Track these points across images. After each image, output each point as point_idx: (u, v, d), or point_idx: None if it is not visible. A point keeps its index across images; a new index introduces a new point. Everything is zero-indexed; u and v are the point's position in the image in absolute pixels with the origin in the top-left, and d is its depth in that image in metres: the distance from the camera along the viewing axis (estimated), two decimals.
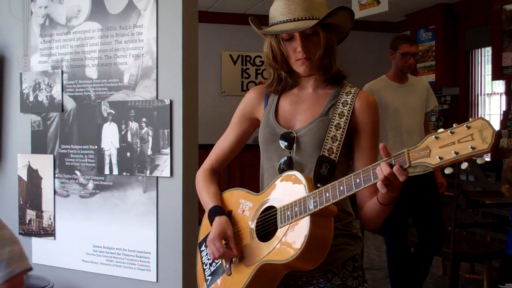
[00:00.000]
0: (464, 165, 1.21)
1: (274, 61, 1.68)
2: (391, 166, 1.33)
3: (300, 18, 1.59)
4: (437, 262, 5.23)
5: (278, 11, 1.62)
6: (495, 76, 6.95)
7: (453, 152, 1.20)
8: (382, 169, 1.33)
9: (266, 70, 1.78)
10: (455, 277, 3.91)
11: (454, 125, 1.23)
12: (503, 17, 6.69)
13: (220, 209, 1.72)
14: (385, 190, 1.37)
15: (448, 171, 1.25)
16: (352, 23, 1.69)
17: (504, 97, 7.23)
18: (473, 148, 1.18)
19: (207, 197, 1.77)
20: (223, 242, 1.63)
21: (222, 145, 1.84)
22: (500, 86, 7.39)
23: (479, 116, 1.23)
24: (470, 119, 1.20)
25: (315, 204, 1.44)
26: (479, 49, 7.66)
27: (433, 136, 1.25)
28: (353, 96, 1.66)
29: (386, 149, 1.36)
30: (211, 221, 1.71)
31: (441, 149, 1.23)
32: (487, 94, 7.66)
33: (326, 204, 1.42)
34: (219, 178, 1.89)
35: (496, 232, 4.34)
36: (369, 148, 1.65)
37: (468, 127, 1.19)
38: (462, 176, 4.60)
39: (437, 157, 1.23)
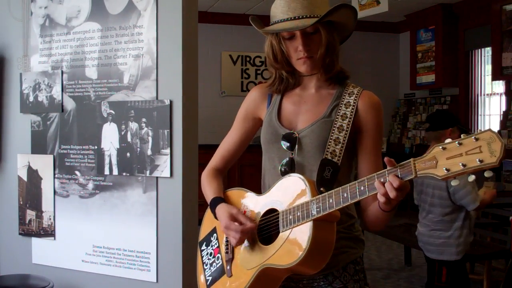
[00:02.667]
0: (471, 178, 1.19)
1: (275, 60, 1.67)
2: (386, 180, 1.32)
3: (301, 17, 1.58)
4: None
5: (278, 10, 1.61)
6: (495, 76, 6.96)
7: (460, 164, 1.18)
8: (377, 185, 1.33)
9: (268, 70, 1.77)
10: None
11: (462, 135, 1.21)
12: (502, 17, 6.69)
13: (219, 199, 1.71)
14: (383, 200, 1.35)
15: (454, 183, 1.23)
16: (355, 22, 1.67)
17: (504, 97, 7.23)
18: (481, 161, 1.16)
19: (209, 191, 1.76)
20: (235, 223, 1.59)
21: (226, 145, 1.83)
22: (500, 86, 7.39)
23: (488, 128, 1.19)
24: (478, 131, 1.18)
25: (318, 209, 1.43)
26: (479, 49, 7.66)
27: (440, 147, 1.23)
28: (356, 96, 1.64)
29: (391, 161, 1.34)
30: (214, 213, 1.70)
31: (448, 160, 1.21)
32: (487, 94, 7.66)
33: (330, 211, 1.41)
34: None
35: (496, 232, 4.34)
36: (373, 149, 1.63)
37: (477, 139, 1.17)
38: None
39: (444, 168, 1.21)
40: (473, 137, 1.18)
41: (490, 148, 1.15)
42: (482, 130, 1.19)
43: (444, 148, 1.22)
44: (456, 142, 1.20)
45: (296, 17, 1.58)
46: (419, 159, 1.27)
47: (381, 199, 1.35)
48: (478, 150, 1.17)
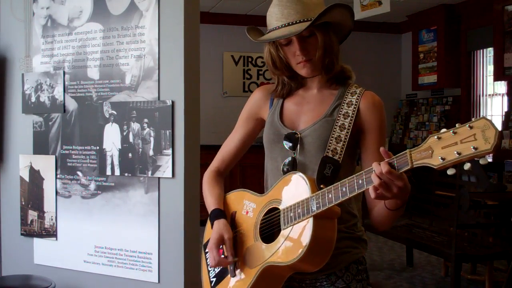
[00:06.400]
0: (467, 166, 1.19)
1: (274, 67, 1.69)
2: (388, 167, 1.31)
3: (295, 22, 1.58)
4: (439, 263, 5.23)
5: (273, 18, 1.63)
6: (497, 77, 6.95)
7: (455, 152, 1.19)
8: (373, 177, 1.32)
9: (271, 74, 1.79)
10: (457, 278, 3.90)
11: (456, 125, 1.21)
12: (505, 18, 6.69)
13: (219, 212, 1.73)
14: (374, 195, 1.34)
15: (450, 171, 1.23)
16: (353, 20, 1.66)
17: (506, 98, 7.22)
18: (475, 148, 1.16)
19: (210, 199, 1.78)
20: (221, 248, 1.65)
21: (228, 146, 1.84)
22: (502, 87, 7.38)
23: (482, 116, 1.20)
24: (473, 119, 1.19)
25: (317, 205, 1.43)
26: (481, 50, 7.65)
27: (435, 137, 1.23)
28: (358, 96, 1.64)
29: (387, 152, 1.35)
30: (212, 224, 1.72)
31: (444, 149, 1.21)
32: (489, 95, 7.65)
33: (329, 206, 1.42)
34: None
35: (498, 233, 4.33)
36: (375, 148, 1.62)
37: (471, 127, 1.18)
38: (464, 176, 4.60)
39: (439, 157, 1.21)
40: (467, 126, 1.18)
41: (484, 135, 1.15)
42: (477, 118, 1.19)
43: (439, 138, 1.23)
44: (451, 131, 1.21)
45: (291, 23, 1.59)
46: (415, 149, 1.27)
47: (373, 194, 1.34)
48: (472, 138, 1.17)
